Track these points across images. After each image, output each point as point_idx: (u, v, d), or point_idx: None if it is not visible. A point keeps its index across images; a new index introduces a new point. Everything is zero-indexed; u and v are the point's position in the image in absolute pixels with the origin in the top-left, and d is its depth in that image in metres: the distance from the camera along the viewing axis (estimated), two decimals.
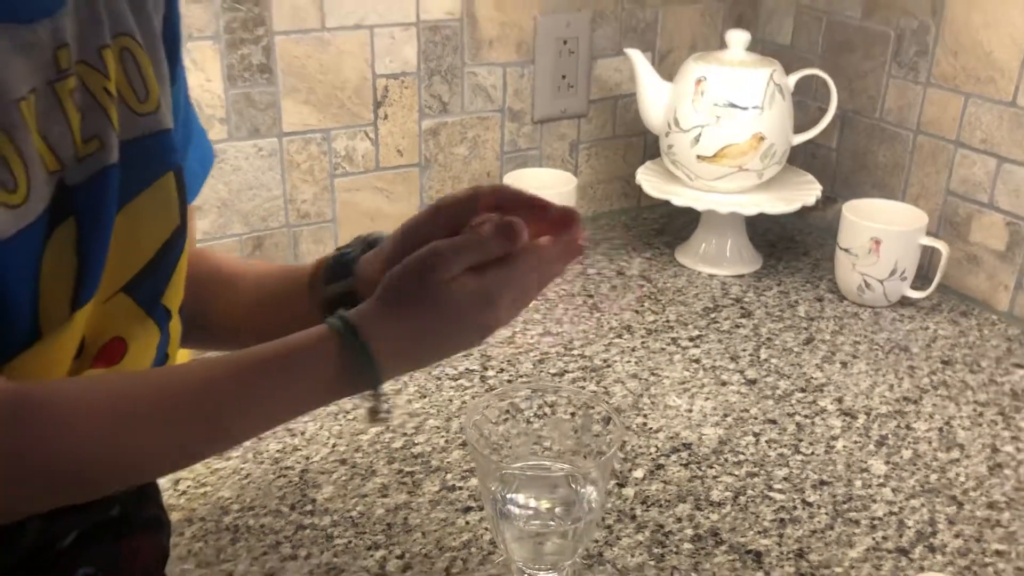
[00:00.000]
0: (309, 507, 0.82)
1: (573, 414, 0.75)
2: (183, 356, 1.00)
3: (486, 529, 0.80)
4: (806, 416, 0.96)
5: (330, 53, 1.16)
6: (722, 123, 1.18)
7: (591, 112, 1.37)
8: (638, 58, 1.24)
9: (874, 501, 0.84)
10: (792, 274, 1.27)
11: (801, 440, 0.92)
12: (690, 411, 0.97)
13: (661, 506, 0.83)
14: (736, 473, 0.87)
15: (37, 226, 0.54)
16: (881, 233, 1.13)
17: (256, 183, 1.18)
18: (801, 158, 1.38)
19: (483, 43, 1.25)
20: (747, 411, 0.97)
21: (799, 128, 1.25)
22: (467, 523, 0.80)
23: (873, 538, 0.79)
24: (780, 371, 1.04)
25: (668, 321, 1.14)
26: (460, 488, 0.85)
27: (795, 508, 0.83)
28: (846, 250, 1.17)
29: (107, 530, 0.64)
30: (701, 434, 0.93)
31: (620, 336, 1.11)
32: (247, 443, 0.90)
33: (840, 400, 0.99)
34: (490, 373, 1.03)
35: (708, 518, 0.82)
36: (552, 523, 0.71)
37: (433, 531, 0.79)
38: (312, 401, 0.59)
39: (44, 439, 0.52)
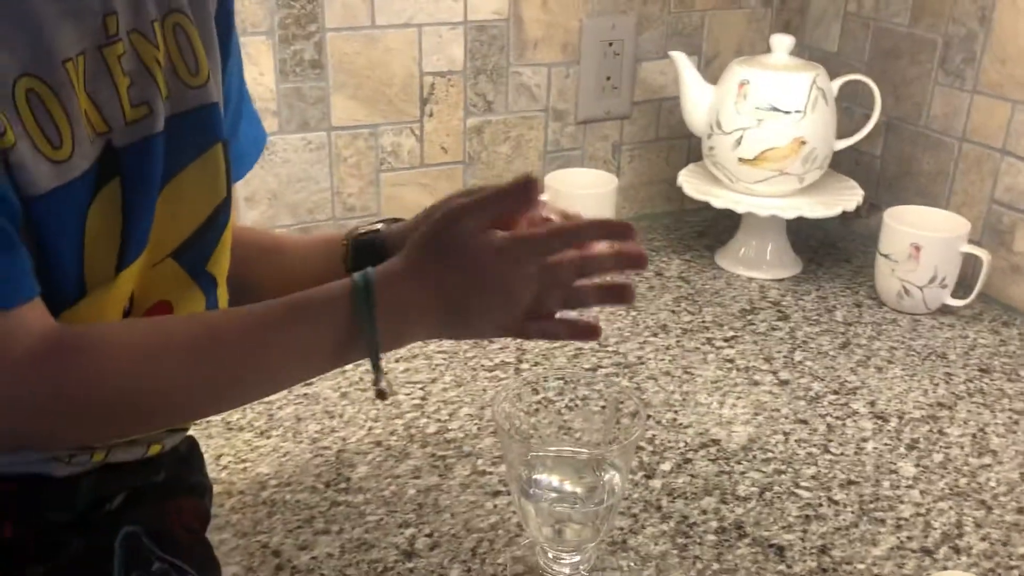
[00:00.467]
0: (343, 485, 0.85)
1: (604, 406, 0.77)
2: None
3: (513, 513, 0.81)
4: (837, 418, 0.97)
5: (379, 50, 1.20)
6: (764, 126, 1.18)
7: (634, 114, 1.38)
8: (682, 60, 1.25)
9: (901, 502, 0.84)
10: (832, 280, 1.27)
11: (831, 440, 0.93)
12: (721, 409, 0.98)
13: (687, 498, 0.84)
14: (764, 470, 0.88)
15: (82, 183, 0.57)
16: (921, 239, 1.13)
17: (304, 176, 1.21)
18: (845, 164, 1.38)
19: (528, 44, 1.28)
20: (778, 411, 0.98)
21: (844, 134, 1.25)
22: (495, 506, 0.82)
23: (898, 537, 0.80)
24: (814, 373, 1.05)
25: (704, 322, 1.15)
26: (490, 473, 0.87)
27: (821, 505, 0.83)
28: (886, 256, 1.16)
29: (153, 493, 0.67)
30: (731, 431, 0.94)
31: (655, 335, 1.12)
32: (287, 423, 0.93)
33: (873, 403, 0.99)
34: (524, 366, 1.05)
35: (733, 512, 0.83)
36: (576, 506, 0.73)
37: (462, 512, 0.81)
38: (324, 352, 0.60)
39: (80, 369, 0.55)
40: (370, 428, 0.93)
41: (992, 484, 0.87)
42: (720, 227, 1.41)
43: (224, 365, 0.59)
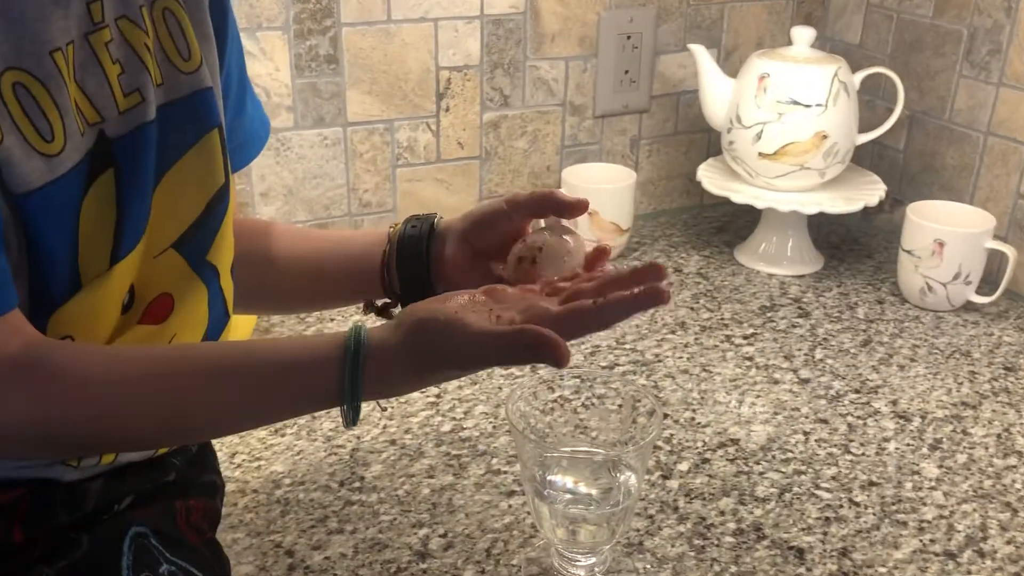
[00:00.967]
0: (357, 484, 0.84)
1: (620, 405, 0.76)
2: (247, 322, 1.04)
3: (528, 513, 0.81)
4: (858, 417, 0.95)
5: (395, 45, 1.19)
6: (784, 120, 1.17)
7: (653, 108, 1.37)
8: (701, 54, 1.24)
9: (924, 504, 0.83)
10: (853, 276, 1.25)
11: (852, 440, 0.91)
12: (739, 408, 0.96)
13: (704, 499, 0.83)
14: (783, 470, 0.87)
15: (74, 176, 0.56)
16: (945, 235, 1.11)
17: (320, 172, 1.20)
18: (867, 159, 1.36)
19: (546, 37, 1.26)
20: (798, 410, 0.96)
21: (866, 128, 1.23)
22: (510, 506, 0.82)
23: (920, 540, 0.78)
24: (835, 372, 1.03)
25: (723, 319, 1.14)
26: (505, 472, 0.86)
27: (841, 507, 0.82)
28: (909, 252, 1.14)
29: (162, 492, 0.67)
30: (749, 431, 0.93)
31: (673, 332, 1.11)
32: (301, 420, 0.92)
33: (895, 403, 0.97)
34: (540, 364, 1.03)
35: (752, 513, 0.81)
36: (591, 507, 0.72)
37: (476, 512, 0.81)
38: (301, 410, 0.62)
39: (53, 397, 0.54)
40: (384, 426, 0.92)
41: (1018, 486, 0.85)
42: (739, 222, 1.39)
43: (192, 412, 0.58)
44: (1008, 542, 0.78)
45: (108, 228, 0.59)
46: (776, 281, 1.24)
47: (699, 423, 0.94)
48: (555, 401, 0.76)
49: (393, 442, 0.90)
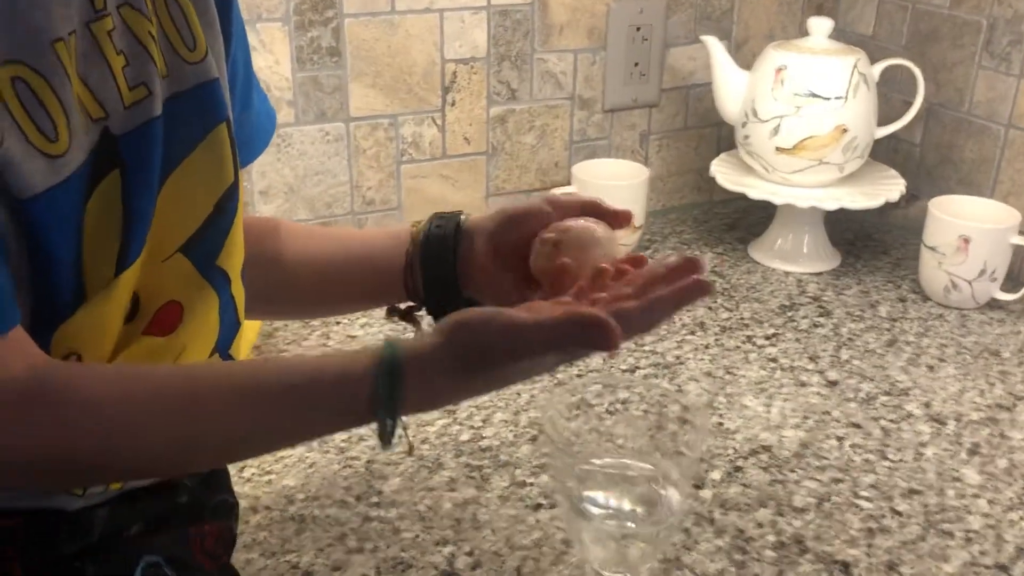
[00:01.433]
0: (375, 499, 0.80)
1: (646, 411, 0.72)
2: (251, 326, 0.99)
3: (558, 528, 0.77)
4: (892, 421, 0.92)
5: (399, 36, 1.14)
6: (803, 114, 1.13)
7: (663, 101, 1.33)
8: (715, 46, 1.20)
9: (969, 512, 0.79)
10: (872, 273, 1.22)
11: (888, 446, 0.88)
12: (768, 412, 0.93)
13: (741, 510, 0.79)
14: (819, 478, 0.83)
15: (79, 178, 0.52)
16: (971, 231, 1.08)
17: (322, 168, 1.16)
18: (882, 153, 1.32)
19: (554, 29, 1.22)
20: (828, 413, 0.93)
21: (881, 121, 1.20)
22: (537, 521, 0.78)
23: (969, 552, 0.75)
24: (863, 373, 0.99)
25: (742, 319, 1.10)
26: (530, 484, 0.82)
27: (883, 517, 0.78)
28: (932, 248, 1.11)
29: (175, 517, 0.62)
30: (781, 436, 0.89)
31: (693, 333, 1.07)
32: None
33: (927, 405, 0.94)
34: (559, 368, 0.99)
35: (791, 524, 0.78)
36: (631, 524, 0.68)
37: (503, 528, 0.77)
38: (330, 431, 0.58)
39: (61, 425, 0.50)
40: (399, 436, 0.88)
41: None
42: (751, 219, 1.36)
43: (209, 437, 0.53)
44: None
45: (114, 233, 0.54)
46: (793, 279, 1.20)
47: (728, 429, 0.90)
48: (578, 407, 0.72)
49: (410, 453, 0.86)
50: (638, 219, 1.22)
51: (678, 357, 1.02)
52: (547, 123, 1.27)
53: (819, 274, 1.21)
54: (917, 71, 1.17)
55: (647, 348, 1.03)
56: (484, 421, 0.90)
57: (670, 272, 0.54)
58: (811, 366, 1.01)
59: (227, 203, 0.61)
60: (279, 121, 1.11)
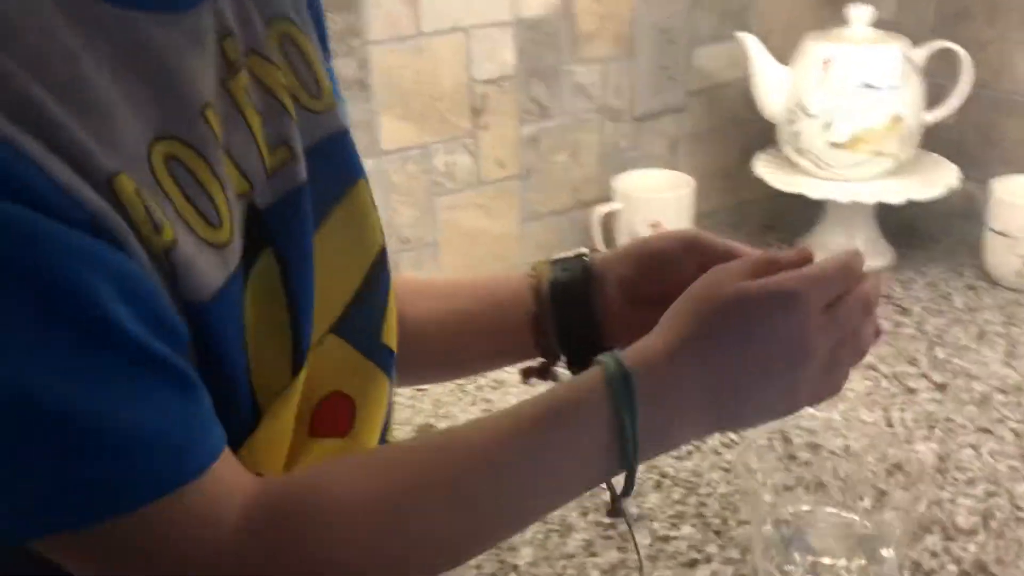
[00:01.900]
0: (512, 575, 0.71)
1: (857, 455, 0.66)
2: None
3: None
4: (1019, 421, 0.87)
5: (425, 60, 1.06)
6: (856, 106, 1.08)
7: (690, 105, 1.27)
8: (752, 43, 1.15)
9: None
10: (929, 263, 1.18)
11: None
12: (890, 425, 0.87)
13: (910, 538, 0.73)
14: (973, 493, 0.78)
15: (240, 268, 0.44)
16: None
17: None
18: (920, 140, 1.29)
19: (582, 38, 1.15)
20: (951, 420, 0.88)
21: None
22: None
23: None
24: (967, 372, 0.95)
25: None
26: (675, 538, 0.74)
27: None
28: (1001, 233, 1.07)
29: None
30: (911, 450, 0.84)
31: None
32: None
33: None
34: None
35: (966, 549, 0.72)
36: None
37: None
38: (584, 463, 0.48)
39: (306, 542, 0.42)
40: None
41: None
42: (788, 218, 1.31)
43: (477, 505, 0.46)
44: None
45: (281, 324, 0.45)
46: None
47: (854, 450, 0.84)
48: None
49: None
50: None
51: None
52: (578, 139, 1.20)
53: (877, 270, 1.17)
54: (963, 52, 1.13)
55: None
56: None
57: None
58: (912, 370, 0.96)
59: (379, 271, 0.53)
60: None
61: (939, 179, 1.14)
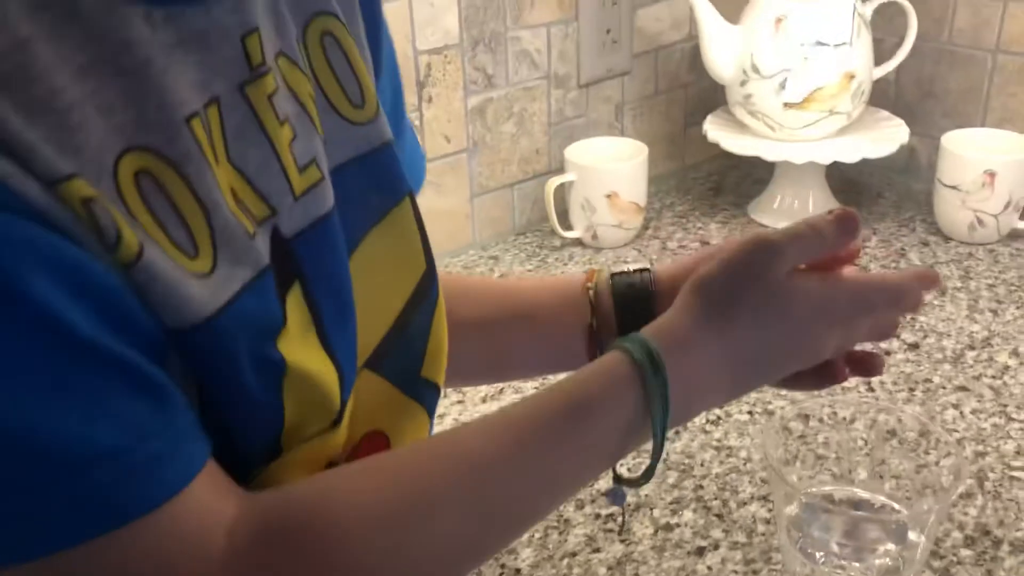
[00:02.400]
0: None
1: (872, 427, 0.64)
2: None
3: (733, 573, 0.67)
4: (994, 376, 0.87)
5: None
6: (810, 64, 1.07)
7: (635, 68, 1.24)
8: (699, 1, 1.11)
9: None
10: (880, 220, 1.18)
11: (1006, 406, 0.83)
12: (872, 389, 0.86)
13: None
14: (964, 456, 0.78)
15: (254, 298, 0.38)
16: (996, 165, 1.05)
17: None
18: None
19: (525, 3, 1.10)
20: (930, 380, 0.87)
21: None
22: (709, 568, 0.68)
23: None
24: (935, 329, 0.95)
25: None
26: (677, 525, 0.72)
27: None
28: (953, 187, 1.08)
29: None
30: (900, 413, 0.83)
31: None
32: None
33: (1016, 352, 0.91)
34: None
35: (966, 514, 0.72)
36: (856, 564, 0.60)
37: None
38: (607, 451, 0.45)
39: (314, 554, 0.38)
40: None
41: None
42: (734, 180, 1.30)
43: (500, 502, 0.43)
44: None
45: (317, 370, 0.40)
46: None
47: (846, 419, 0.83)
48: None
49: None
50: (643, 199, 1.14)
51: None
52: (524, 107, 1.15)
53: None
54: (909, 6, 1.13)
55: None
56: None
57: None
58: None
59: (421, 299, 0.48)
60: None
61: (890, 136, 1.14)
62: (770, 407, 0.84)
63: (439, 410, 0.78)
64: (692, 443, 0.81)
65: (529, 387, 0.87)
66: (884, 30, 1.20)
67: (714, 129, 1.17)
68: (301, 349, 0.40)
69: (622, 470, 0.50)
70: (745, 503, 0.74)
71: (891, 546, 0.59)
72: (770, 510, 0.72)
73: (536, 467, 0.43)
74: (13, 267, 0.31)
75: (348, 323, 0.43)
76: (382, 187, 0.47)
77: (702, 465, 0.78)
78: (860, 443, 0.70)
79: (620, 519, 0.72)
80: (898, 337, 0.94)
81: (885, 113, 1.19)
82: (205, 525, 0.36)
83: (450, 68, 1.07)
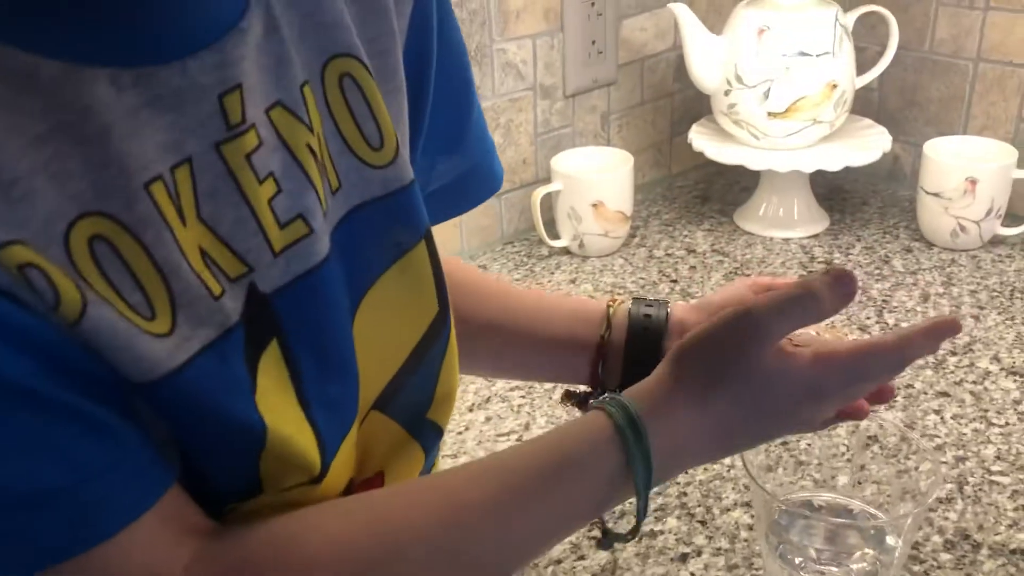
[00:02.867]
0: None
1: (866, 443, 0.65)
2: None
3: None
4: (975, 382, 0.88)
5: None
6: (792, 74, 1.08)
7: (620, 78, 1.25)
8: (683, 12, 1.12)
9: None
10: (864, 227, 1.19)
11: (987, 411, 0.84)
12: None
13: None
14: (944, 460, 0.79)
15: (216, 357, 0.38)
16: (977, 172, 1.06)
17: None
18: None
19: (511, 15, 1.11)
20: (912, 386, 0.88)
21: None
22: (692, 574, 0.69)
23: None
24: None
25: None
26: (661, 532, 0.73)
27: None
28: (935, 194, 1.09)
29: None
30: (880, 420, 0.84)
31: None
32: None
33: (997, 359, 0.92)
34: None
35: (946, 518, 0.73)
36: (835, 569, 0.60)
37: None
38: (584, 512, 0.46)
39: None
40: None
41: None
42: (719, 188, 1.31)
43: (476, 555, 0.43)
44: None
45: (297, 424, 0.41)
46: (794, 245, 1.16)
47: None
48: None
49: None
50: (629, 207, 1.15)
51: None
52: (511, 118, 1.16)
53: (816, 236, 1.18)
54: (890, 15, 1.14)
55: None
56: None
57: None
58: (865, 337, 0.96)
59: (431, 341, 0.48)
60: None
61: (873, 143, 1.15)
62: None
63: None
64: None
65: (520, 390, 0.87)
66: (866, 39, 1.22)
67: (699, 138, 1.18)
68: (277, 408, 0.40)
69: (610, 524, 0.50)
70: (728, 509, 0.74)
71: (869, 551, 0.60)
72: (752, 516, 0.73)
73: (518, 521, 0.43)
74: None
75: (340, 377, 0.43)
76: (398, 230, 0.46)
77: (686, 472, 0.79)
78: (842, 449, 0.70)
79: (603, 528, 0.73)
80: None
81: (868, 121, 1.20)
82: (158, 560, 0.37)
83: None
